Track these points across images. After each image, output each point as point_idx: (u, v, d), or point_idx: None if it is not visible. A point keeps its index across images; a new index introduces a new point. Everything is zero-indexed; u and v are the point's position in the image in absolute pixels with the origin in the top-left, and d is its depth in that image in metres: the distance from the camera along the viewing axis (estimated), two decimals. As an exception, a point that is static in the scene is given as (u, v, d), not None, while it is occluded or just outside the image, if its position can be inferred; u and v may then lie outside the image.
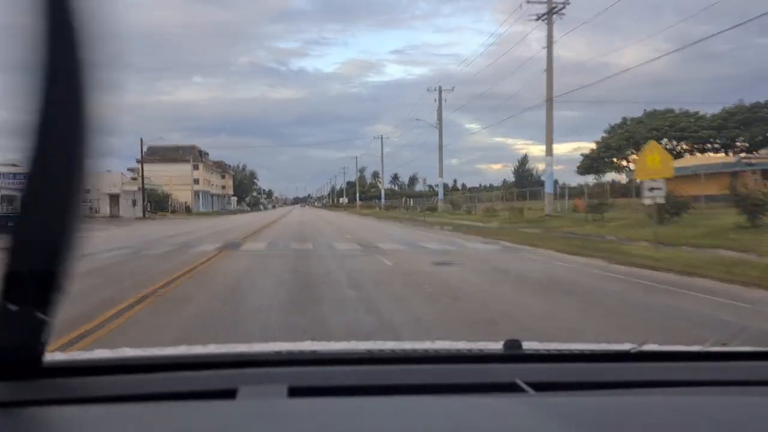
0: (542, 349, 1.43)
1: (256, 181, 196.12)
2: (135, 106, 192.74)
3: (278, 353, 1.31)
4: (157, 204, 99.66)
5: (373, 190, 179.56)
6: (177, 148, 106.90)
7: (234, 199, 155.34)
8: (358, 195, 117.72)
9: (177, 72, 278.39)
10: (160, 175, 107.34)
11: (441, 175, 52.48)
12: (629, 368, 1.33)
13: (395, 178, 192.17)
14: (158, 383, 1.14)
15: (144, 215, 60.70)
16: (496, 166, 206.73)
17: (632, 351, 1.37)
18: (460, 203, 51.65)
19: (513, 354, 1.36)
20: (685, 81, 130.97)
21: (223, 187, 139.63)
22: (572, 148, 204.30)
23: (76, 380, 1.13)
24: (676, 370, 1.32)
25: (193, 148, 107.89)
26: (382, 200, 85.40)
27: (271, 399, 1.07)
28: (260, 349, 1.34)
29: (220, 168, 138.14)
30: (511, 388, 1.17)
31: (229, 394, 1.07)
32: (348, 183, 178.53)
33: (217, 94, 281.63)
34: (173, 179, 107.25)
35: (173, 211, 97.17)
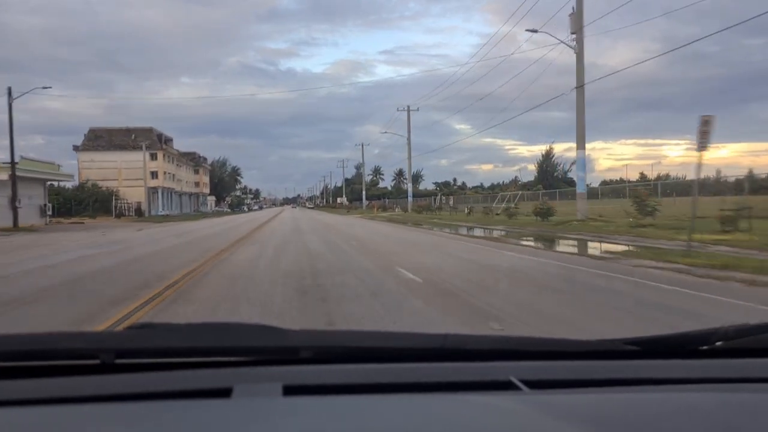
0: (537, 347, 1.39)
1: (239, 178, 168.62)
2: (123, 105, 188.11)
3: (274, 350, 1.27)
4: (101, 204, 72.75)
5: (373, 188, 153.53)
6: (128, 131, 79.67)
7: (211, 199, 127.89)
8: (364, 193, 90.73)
9: (165, 72, 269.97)
10: (107, 165, 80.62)
11: (583, 145, 25.79)
12: (625, 365, 1.28)
13: (399, 174, 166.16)
14: (152, 382, 1.11)
15: (15, 224, 33.43)
16: (487, 167, 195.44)
17: (628, 348, 1.33)
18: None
19: (507, 351, 1.33)
20: (673, 81, 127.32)
21: (197, 184, 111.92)
22: (563, 149, 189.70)
23: (69, 380, 1.12)
24: (673, 367, 1.27)
25: (150, 131, 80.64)
26: (410, 198, 58.61)
27: (266, 397, 1.05)
28: (254, 344, 1.27)
29: (193, 161, 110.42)
30: (505, 385, 1.15)
31: (224, 392, 1.06)
32: (345, 180, 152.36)
33: (206, 94, 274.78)
34: (123, 172, 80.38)
35: (120, 215, 70.23)
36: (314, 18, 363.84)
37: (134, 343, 1.25)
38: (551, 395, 1.09)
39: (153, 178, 79.20)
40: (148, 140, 78.89)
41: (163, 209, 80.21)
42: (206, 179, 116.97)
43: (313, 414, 0.97)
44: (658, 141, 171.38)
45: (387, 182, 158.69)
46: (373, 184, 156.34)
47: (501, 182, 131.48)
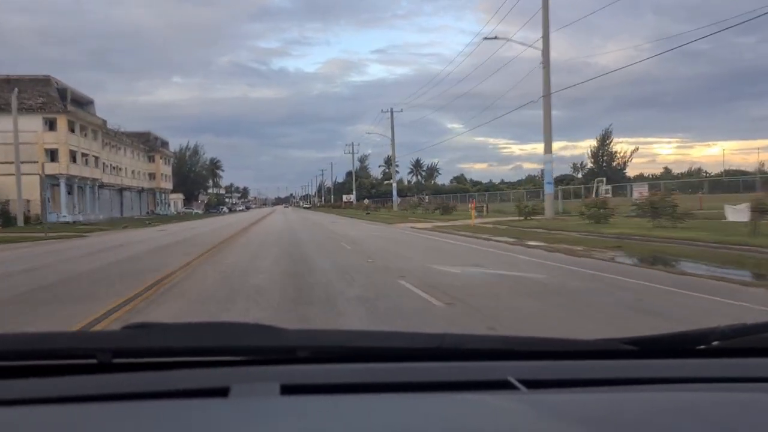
0: (535, 346, 1.35)
1: (219, 173, 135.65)
2: (114, 105, 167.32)
3: (271, 350, 1.25)
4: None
5: (386, 183, 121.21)
6: (7, 82, 46.85)
7: (177, 197, 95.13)
8: (395, 185, 58.41)
9: (156, 71, 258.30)
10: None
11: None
12: (623, 365, 1.25)
13: (417, 165, 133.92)
14: (150, 382, 1.10)
15: None
16: (481, 165, 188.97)
17: (626, 348, 1.30)
18: None
19: (505, 351, 1.31)
20: (664, 79, 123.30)
21: (152, 177, 79.29)
22: (558, 147, 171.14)
23: (66, 379, 1.11)
24: (671, 367, 1.24)
25: (46, 81, 47.79)
26: (549, 189, 25.77)
27: (264, 397, 1.04)
28: (251, 344, 1.25)
29: (146, 144, 78.17)
30: (503, 385, 1.12)
31: (222, 392, 1.04)
32: (348, 174, 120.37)
33: (197, 93, 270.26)
34: (-2, 150, 47.63)
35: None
36: (306, 17, 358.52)
37: (131, 342, 1.22)
38: (549, 395, 1.07)
39: (51, 160, 46.84)
40: (42, 97, 46.45)
41: (70, 211, 47.87)
42: (167, 170, 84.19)
43: (311, 413, 0.95)
44: (649, 139, 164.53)
45: (403, 174, 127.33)
46: (386, 177, 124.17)
47: (524, 178, 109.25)
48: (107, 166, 60.51)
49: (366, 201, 66.56)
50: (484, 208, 37.66)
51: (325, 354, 1.24)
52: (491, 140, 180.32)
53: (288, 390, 1.04)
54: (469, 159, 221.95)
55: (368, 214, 53.24)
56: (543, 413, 0.95)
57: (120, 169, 65.41)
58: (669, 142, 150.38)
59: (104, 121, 55.86)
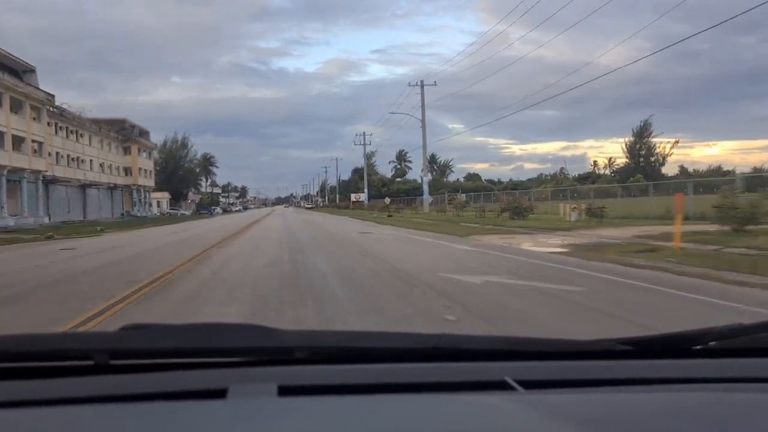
0: (531, 347, 1.34)
1: (213, 169, 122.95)
2: (114, 104, 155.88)
3: (268, 351, 1.23)
4: None
5: (398, 181, 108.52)
6: None
7: (160, 195, 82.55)
8: (426, 178, 45.66)
9: (156, 71, 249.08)
10: None
11: None
12: (620, 365, 1.24)
13: (432, 161, 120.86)
14: (147, 383, 1.09)
15: None
16: (482, 165, 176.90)
17: (622, 348, 1.29)
18: None
19: (502, 351, 1.30)
20: (664, 79, 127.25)
21: (128, 172, 66.67)
22: (559, 148, 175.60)
23: (63, 381, 1.10)
24: (668, 367, 1.23)
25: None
26: None
27: (261, 398, 1.03)
28: (249, 345, 1.24)
29: (119, 132, 65.16)
30: (500, 386, 1.11)
31: (219, 393, 1.03)
32: (355, 171, 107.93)
33: (197, 93, 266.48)
34: None
35: None
36: (306, 17, 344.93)
37: (129, 343, 1.21)
38: (546, 395, 1.07)
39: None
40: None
41: (7, 214, 35.39)
42: (147, 164, 71.65)
43: (309, 414, 0.95)
44: (649, 139, 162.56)
45: (418, 172, 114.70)
46: (399, 174, 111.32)
47: (535, 177, 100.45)
48: (62, 156, 48.04)
49: (386, 200, 53.88)
50: (578, 209, 25.11)
51: (322, 355, 1.23)
52: (491, 140, 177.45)
53: (285, 391, 1.03)
54: (470, 159, 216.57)
55: (390, 216, 40.91)
56: (540, 414, 0.94)
57: (82, 161, 52.96)
58: (669, 143, 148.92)
59: (51, 96, 43.20)
